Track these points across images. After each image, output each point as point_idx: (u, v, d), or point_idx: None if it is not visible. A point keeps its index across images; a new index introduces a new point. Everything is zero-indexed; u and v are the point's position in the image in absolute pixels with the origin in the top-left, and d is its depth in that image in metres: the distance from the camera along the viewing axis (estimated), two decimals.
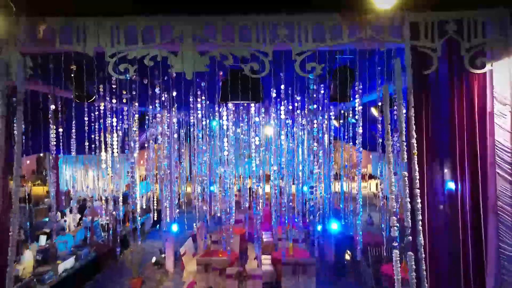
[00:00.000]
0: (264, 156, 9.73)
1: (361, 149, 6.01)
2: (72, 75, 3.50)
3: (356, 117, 5.01)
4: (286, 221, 8.66)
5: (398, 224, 3.10)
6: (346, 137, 7.59)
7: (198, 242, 11.07)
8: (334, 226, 9.81)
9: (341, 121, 7.42)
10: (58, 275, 8.68)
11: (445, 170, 3.22)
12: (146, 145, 9.96)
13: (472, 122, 3.16)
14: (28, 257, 8.11)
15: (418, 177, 3.09)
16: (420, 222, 3.07)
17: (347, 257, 10.33)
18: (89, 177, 13.25)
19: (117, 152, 7.60)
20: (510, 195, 3.12)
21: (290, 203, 8.91)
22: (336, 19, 3.11)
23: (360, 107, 4.34)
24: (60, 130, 5.32)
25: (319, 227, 9.40)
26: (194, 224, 10.22)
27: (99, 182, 10.76)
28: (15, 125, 3.14)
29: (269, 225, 11.68)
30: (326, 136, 8.17)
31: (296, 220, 8.91)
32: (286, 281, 8.83)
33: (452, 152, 3.19)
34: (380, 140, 5.08)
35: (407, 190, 3.11)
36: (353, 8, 3.03)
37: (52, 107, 4.78)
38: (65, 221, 11.40)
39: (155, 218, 10.55)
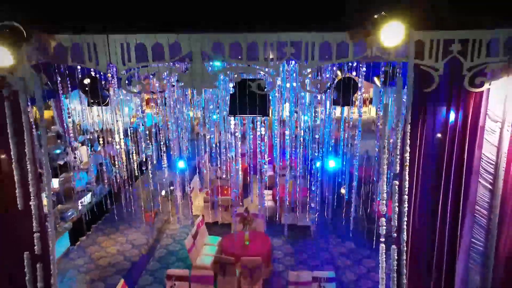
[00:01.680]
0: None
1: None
2: (87, 88, 3.62)
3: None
4: (288, 155, 9.07)
5: (386, 225, 3.55)
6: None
7: (204, 175, 11.78)
8: (332, 163, 10.38)
9: None
10: (78, 211, 9.56)
11: (434, 177, 3.56)
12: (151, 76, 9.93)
13: (464, 136, 3.41)
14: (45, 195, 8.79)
15: (407, 186, 3.47)
16: (405, 222, 3.54)
17: (342, 191, 11.05)
18: (94, 111, 13.43)
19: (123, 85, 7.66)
20: (488, 201, 3.51)
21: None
22: (343, 38, 3.14)
23: None
24: None
25: (318, 164, 9.93)
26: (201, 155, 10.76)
27: (104, 115, 11.03)
28: None
29: (270, 156, 12.26)
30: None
31: (297, 152, 9.31)
32: (285, 217, 9.72)
33: (441, 162, 3.49)
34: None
35: (397, 196, 3.51)
36: (360, 27, 3.04)
37: None
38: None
39: (162, 150, 10.90)
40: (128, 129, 11.64)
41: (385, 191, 3.49)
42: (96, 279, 7.98)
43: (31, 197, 3.54)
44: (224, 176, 10.99)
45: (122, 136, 10.01)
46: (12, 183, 3.50)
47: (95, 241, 9.52)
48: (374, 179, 9.77)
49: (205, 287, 6.60)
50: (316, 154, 9.49)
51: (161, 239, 9.66)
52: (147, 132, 10.69)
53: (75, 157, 11.24)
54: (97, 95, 3.88)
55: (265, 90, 3.31)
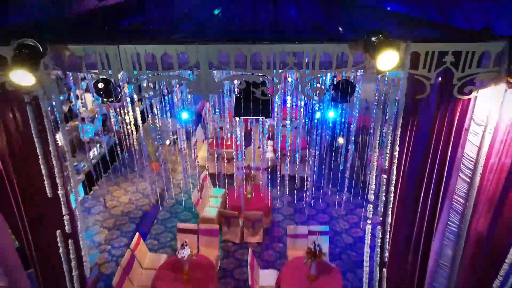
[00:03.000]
0: None
1: None
2: (101, 92, 3.82)
3: None
4: (289, 104, 9.30)
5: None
6: None
7: (206, 125, 12.11)
8: (331, 114, 10.66)
9: None
10: (89, 163, 10.11)
11: (419, 171, 3.96)
12: None
13: (449, 137, 3.73)
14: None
15: (394, 179, 3.89)
16: (390, 209, 4.03)
17: (340, 141, 11.45)
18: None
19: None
20: (465, 191, 3.96)
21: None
22: (343, 49, 3.30)
23: None
24: None
25: (318, 115, 10.22)
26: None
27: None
28: None
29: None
30: None
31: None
32: (284, 167, 10.28)
33: (426, 159, 3.86)
34: None
35: (385, 186, 3.94)
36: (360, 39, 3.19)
37: None
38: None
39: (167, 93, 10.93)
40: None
41: (373, 183, 3.93)
42: (111, 227, 8.77)
43: (59, 187, 3.98)
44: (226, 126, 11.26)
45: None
46: (41, 174, 3.91)
47: (107, 190, 10.19)
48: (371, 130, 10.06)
49: (211, 239, 7.35)
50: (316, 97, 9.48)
51: (169, 189, 10.32)
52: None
53: (84, 109, 11.37)
54: (110, 95, 4.12)
55: (268, 95, 3.56)
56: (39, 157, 3.78)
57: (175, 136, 11.98)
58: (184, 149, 10.94)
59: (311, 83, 3.44)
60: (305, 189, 9.33)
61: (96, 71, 3.43)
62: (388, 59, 2.93)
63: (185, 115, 10.89)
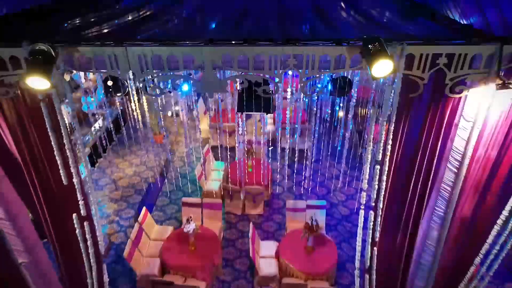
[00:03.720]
0: None
1: None
2: (110, 89, 3.98)
3: None
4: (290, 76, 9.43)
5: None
6: None
7: (207, 97, 12.24)
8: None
9: None
10: (93, 136, 10.35)
11: (410, 162, 4.23)
12: None
13: (439, 132, 3.96)
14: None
15: (387, 169, 4.17)
16: (382, 195, 4.36)
17: (340, 114, 11.63)
18: None
19: None
20: (452, 180, 4.25)
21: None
22: (341, 51, 3.44)
23: None
24: None
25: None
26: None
27: None
28: None
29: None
30: None
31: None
32: (284, 141, 10.56)
33: (417, 151, 4.12)
34: None
35: (378, 176, 4.24)
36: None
37: None
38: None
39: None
40: None
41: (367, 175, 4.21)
42: (118, 199, 9.18)
43: (73, 175, 4.28)
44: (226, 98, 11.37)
45: None
46: (56, 164, 4.19)
47: (112, 162, 10.51)
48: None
49: (215, 212, 7.77)
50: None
51: (172, 161, 10.64)
52: None
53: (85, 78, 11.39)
54: (119, 90, 4.30)
55: (270, 93, 3.75)
56: (54, 148, 4.04)
57: (176, 107, 12.10)
58: (188, 123, 11.04)
59: (310, 83, 3.62)
60: (304, 162, 9.63)
61: (105, 70, 3.60)
62: (382, 67, 3.09)
63: (185, 87, 10.95)
